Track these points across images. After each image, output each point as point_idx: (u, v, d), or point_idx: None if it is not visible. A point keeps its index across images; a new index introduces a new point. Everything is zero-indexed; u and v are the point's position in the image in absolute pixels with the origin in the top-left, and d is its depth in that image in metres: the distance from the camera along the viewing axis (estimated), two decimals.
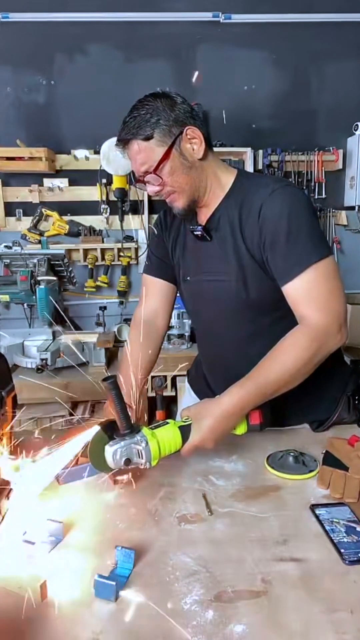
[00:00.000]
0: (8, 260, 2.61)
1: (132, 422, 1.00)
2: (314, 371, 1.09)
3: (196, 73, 2.31)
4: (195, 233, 1.24)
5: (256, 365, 1.07)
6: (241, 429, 1.10)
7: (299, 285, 1.09)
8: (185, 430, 1.02)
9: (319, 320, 1.07)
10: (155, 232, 1.40)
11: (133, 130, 1.10)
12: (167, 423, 1.03)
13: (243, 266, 1.17)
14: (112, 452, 0.96)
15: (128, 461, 0.96)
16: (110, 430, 0.99)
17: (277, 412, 1.13)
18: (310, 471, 1.09)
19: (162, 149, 1.10)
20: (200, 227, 1.22)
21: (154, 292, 1.41)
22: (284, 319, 1.15)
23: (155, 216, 3.08)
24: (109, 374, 0.97)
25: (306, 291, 1.09)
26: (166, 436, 1.00)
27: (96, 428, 0.99)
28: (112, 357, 2.80)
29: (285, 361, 1.05)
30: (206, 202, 1.22)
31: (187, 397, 1.59)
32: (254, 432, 1.11)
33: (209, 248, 1.24)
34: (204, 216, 1.24)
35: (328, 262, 1.09)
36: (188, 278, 1.31)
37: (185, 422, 1.04)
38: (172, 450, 1.02)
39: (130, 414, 1.07)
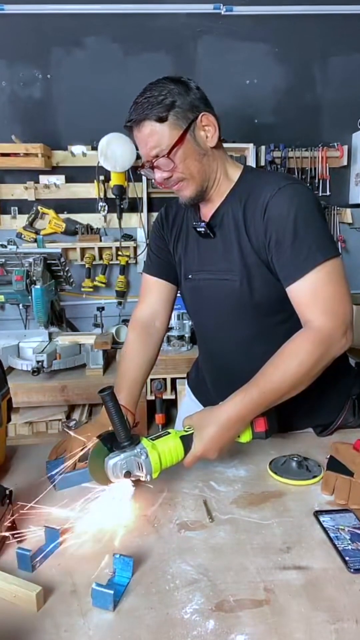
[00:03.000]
0: (3, 260, 2.61)
1: (131, 432, 0.99)
2: (321, 375, 1.09)
3: None
4: (198, 230, 1.24)
5: (259, 371, 1.06)
6: (246, 437, 1.09)
7: (303, 287, 1.08)
8: (187, 440, 1.02)
9: (323, 324, 1.06)
10: (156, 230, 1.40)
11: (147, 111, 1.07)
12: (168, 433, 1.02)
13: (247, 264, 1.17)
14: (112, 465, 0.96)
15: (128, 474, 0.96)
16: (109, 443, 0.99)
17: (280, 416, 1.13)
18: (314, 477, 1.09)
19: (176, 132, 1.09)
20: (203, 223, 1.22)
21: (153, 292, 1.41)
22: (288, 320, 1.15)
23: (154, 214, 3.09)
24: (106, 385, 0.97)
25: (311, 293, 1.08)
26: (167, 447, 1.00)
27: (95, 440, 0.99)
28: (110, 359, 2.81)
29: (288, 367, 1.05)
30: (212, 196, 1.21)
31: (187, 400, 1.59)
32: (259, 440, 1.11)
33: (212, 245, 1.24)
34: (207, 212, 1.24)
35: (334, 263, 1.08)
36: (190, 276, 1.31)
37: (187, 431, 1.04)
38: (174, 462, 1.01)
39: (130, 420, 1.07)
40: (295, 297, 1.11)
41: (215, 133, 1.14)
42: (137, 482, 1.02)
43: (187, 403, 1.56)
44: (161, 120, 1.08)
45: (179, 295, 1.44)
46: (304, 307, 1.09)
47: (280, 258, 1.11)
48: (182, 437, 1.02)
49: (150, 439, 1.00)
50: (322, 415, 1.32)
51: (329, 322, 1.06)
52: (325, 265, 1.07)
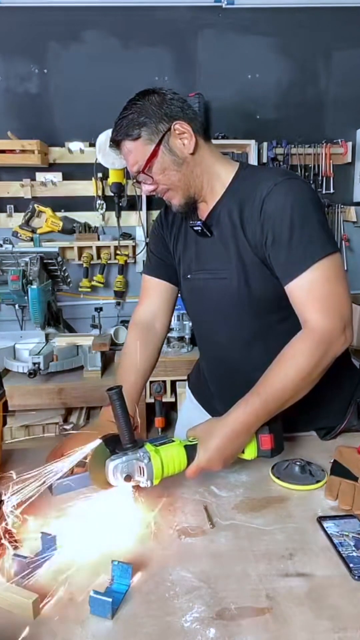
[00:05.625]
0: None
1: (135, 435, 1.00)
2: (321, 376, 1.09)
3: None
4: (195, 228, 1.25)
5: (260, 379, 1.07)
6: (251, 454, 1.09)
7: (300, 286, 1.09)
8: (191, 450, 1.02)
9: (321, 323, 1.07)
10: (156, 230, 1.41)
11: (122, 131, 1.14)
12: (173, 441, 1.03)
13: (245, 263, 1.18)
14: (113, 467, 0.95)
15: (128, 478, 0.96)
16: (112, 445, 0.99)
17: (283, 419, 1.14)
18: (318, 481, 1.09)
19: (150, 147, 1.13)
20: (199, 222, 1.23)
21: (153, 293, 1.42)
22: (288, 318, 1.15)
23: (153, 212, 3.10)
24: (113, 385, 0.97)
25: (308, 292, 1.09)
26: (170, 454, 1.00)
27: (97, 441, 0.99)
28: (108, 361, 2.80)
29: (289, 371, 1.05)
30: (205, 198, 1.23)
31: (187, 403, 1.59)
32: (265, 457, 1.11)
33: (210, 245, 1.25)
34: (204, 211, 1.25)
35: (332, 260, 1.09)
36: (188, 276, 1.32)
37: (191, 441, 1.04)
38: (176, 470, 1.01)
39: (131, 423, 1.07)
40: (293, 296, 1.11)
41: (191, 140, 1.15)
42: (136, 488, 1.02)
43: (188, 406, 1.56)
44: (135, 138, 1.13)
45: (179, 295, 1.44)
46: (302, 306, 1.10)
47: (277, 256, 1.12)
48: (186, 447, 1.02)
49: (154, 444, 1.00)
50: (326, 418, 1.32)
51: (327, 321, 1.07)
52: (323, 263, 1.08)
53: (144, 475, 0.97)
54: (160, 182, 1.17)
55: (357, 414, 1.33)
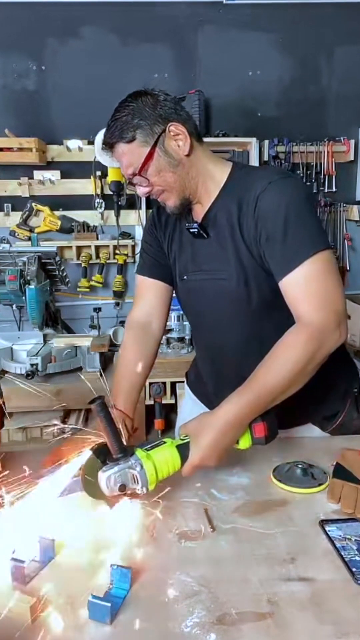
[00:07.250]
0: None
1: (130, 438, 0.99)
2: (319, 368, 1.09)
3: None
4: (191, 230, 1.25)
5: (253, 372, 1.07)
6: (245, 443, 1.09)
7: (294, 281, 1.10)
8: (183, 449, 1.02)
9: (316, 318, 1.08)
10: (149, 231, 1.42)
11: (116, 134, 1.14)
12: (164, 442, 1.03)
13: (243, 263, 1.19)
14: (106, 478, 0.95)
15: (123, 487, 0.96)
16: (102, 455, 0.99)
17: (280, 411, 1.13)
18: (320, 484, 1.09)
19: (145, 149, 1.14)
20: (196, 224, 1.24)
21: (148, 294, 1.42)
22: (287, 317, 1.16)
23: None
24: (97, 395, 0.97)
25: (302, 287, 1.10)
26: (163, 457, 1.00)
27: (88, 453, 0.99)
28: (107, 361, 2.80)
29: (283, 365, 1.06)
30: (200, 199, 1.24)
31: (187, 401, 1.59)
32: (259, 445, 1.11)
33: (206, 245, 1.25)
34: (199, 213, 1.26)
35: (324, 256, 1.10)
36: (185, 277, 1.32)
37: (183, 440, 1.04)
38: (171, 472, 1.01)
39: (129, 425, 1.06)
40: (286, 291, 1.12)
41: (186, 141, 1.16)
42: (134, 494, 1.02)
43: (188, 405, 1.57)
44: (129, 140, 1.14)
45: (175, 295, 1.44)
46: (295, 301, 1.11)
47: (271, 253, 1.13)
48: (179, 446, 1.02)
49: (145, 449, 1.00)
50: (325, 408, 1.32)
51: (321, 316, 1.08)
52: (316, 258, 1.09)
53: (138, 482, 0.97)
54: (156, 184, 1.18)
55: (356, 405, 1.34)
